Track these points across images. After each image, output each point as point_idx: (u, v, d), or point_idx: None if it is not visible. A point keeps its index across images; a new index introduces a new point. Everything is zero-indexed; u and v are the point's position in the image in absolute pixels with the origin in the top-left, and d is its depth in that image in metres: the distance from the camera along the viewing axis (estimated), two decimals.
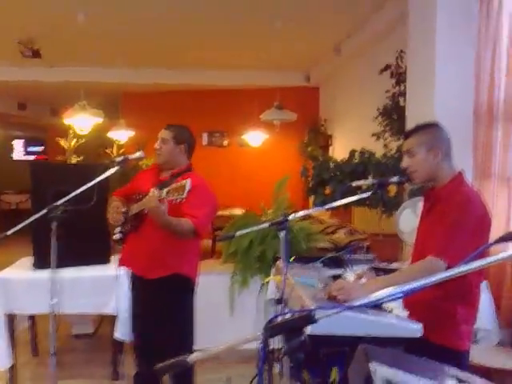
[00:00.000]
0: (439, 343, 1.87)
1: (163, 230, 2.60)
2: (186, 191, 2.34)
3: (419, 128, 2.18)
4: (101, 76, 8.53)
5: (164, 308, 2.77)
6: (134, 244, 2.82)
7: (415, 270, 1.94)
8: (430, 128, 2.18)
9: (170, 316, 2.77)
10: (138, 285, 2.90)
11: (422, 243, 2.17)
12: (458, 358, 1.87)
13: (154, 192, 2.42)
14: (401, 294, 1.32)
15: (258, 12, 5.83)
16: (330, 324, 1.44)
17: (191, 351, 2.79)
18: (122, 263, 2.90)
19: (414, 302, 1.93)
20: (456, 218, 1.94)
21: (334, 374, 1.80)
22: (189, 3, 5.61)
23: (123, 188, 3.05)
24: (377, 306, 1.78)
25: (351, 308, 1.56)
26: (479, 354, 2.83)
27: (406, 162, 2.19)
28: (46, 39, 6.69)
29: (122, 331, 3.21)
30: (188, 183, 2.35)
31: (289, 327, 1.22)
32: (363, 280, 2.56)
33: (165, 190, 2.42)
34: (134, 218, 2.76)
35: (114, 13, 5.97)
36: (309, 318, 1.23)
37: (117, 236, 2.74)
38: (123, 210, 2.73)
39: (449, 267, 1.80)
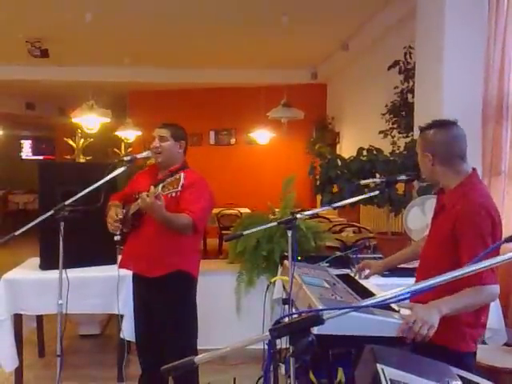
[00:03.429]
0: (441, 344, 1.84)
1: (162, 227, 2.61)
2: (180, 184, 2.38)
3: (425, 127, 2.10)
4: (108, 75, 8.55)
5: (166, 306, 2.78)
6: (133, 243, 2.82)
7: (474, 297, 1.89)
8: (430, 129, 2.07)
9: (173, 313, 2.78)
10: (140, 284, 2.90)
11: (430, 245, 2.15)
12: (461, 359, 1.84)
13: (151, 189, 2.44)
14: (407, 295, 1.30)
15: (264, 9, 5.81)
16: (336, 324, 1.43)
17: (195, 348, 2.80)
18: (122, 265, 2.90)
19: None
20: (481, 238, 1.89)
21: (340, 375, 1.78)
22: (196, 2, 5.61)
23: (121, 191, 3.06)
24: (384, 306, 1.76)
25: (359, 308, 1.54)
26: (486, 355, 2.80)
27: (418, 159, 2.17)
28: (53, 39, 6.72)
29: (129, 331, 3.21)
30: (182, 176, 2.40)
31: (295, 328, 1.20)
32: (370, 280, 2.54)
33: (160, 186, 2.45)
34: (133, 217, 2.76)
35: (121, 12, 5.98)
36: (316, 319, 1.21)
37: (117, 237, 2.75)
38: (120, 217, 2.74)
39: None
